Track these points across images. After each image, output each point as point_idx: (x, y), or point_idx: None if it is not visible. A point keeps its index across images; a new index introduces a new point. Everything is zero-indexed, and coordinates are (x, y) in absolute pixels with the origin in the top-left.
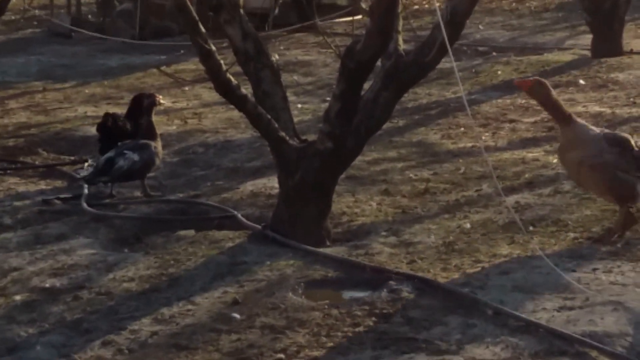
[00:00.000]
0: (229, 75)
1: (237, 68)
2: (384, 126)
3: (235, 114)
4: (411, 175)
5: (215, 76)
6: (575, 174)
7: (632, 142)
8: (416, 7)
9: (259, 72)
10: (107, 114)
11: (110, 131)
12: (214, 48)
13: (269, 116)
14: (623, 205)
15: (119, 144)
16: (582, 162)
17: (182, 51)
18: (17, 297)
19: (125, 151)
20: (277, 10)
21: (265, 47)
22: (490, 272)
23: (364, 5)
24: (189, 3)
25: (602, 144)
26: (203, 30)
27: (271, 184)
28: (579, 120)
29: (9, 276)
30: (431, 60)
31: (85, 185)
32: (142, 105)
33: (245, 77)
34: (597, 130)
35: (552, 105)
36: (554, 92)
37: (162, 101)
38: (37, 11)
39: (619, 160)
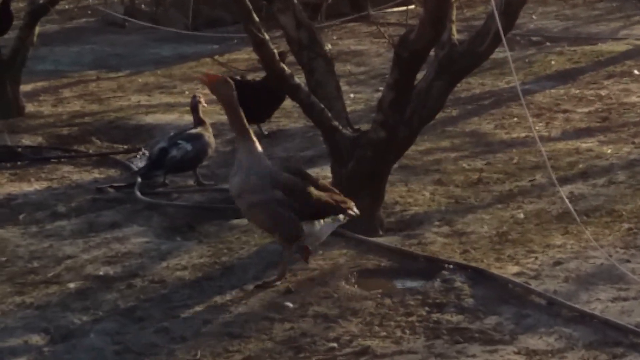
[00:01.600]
0: (282, 64)
1: (291, 57)
2: (437, 116)
3: (288, 103)
4: (464, 165)
5: (268, 65)
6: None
7: (303, 184)
8: None
9: (313, 61)
10: None
11: None
12: (267, 37)
13: (322, 105)
14: (289, 246)
15: (172, 133)
16: (241, 195)
17: (235, 41)
18: (71, 285)
19: (179, 141)
20: (330, 0)
21: (318, 37)
22: (543, 262)
23: None
24: None
25: (266, 180)
26: (256, 19)
27: (324, 173)
28: (256, 142)
29: (63, 264)
30: (485, 50)
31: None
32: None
33: (299, 66)
34: (267, 162)
35: (234, 110)
36: (236, 99)
37: (203, 102)
38: (90, 0)
39: (283, 198)
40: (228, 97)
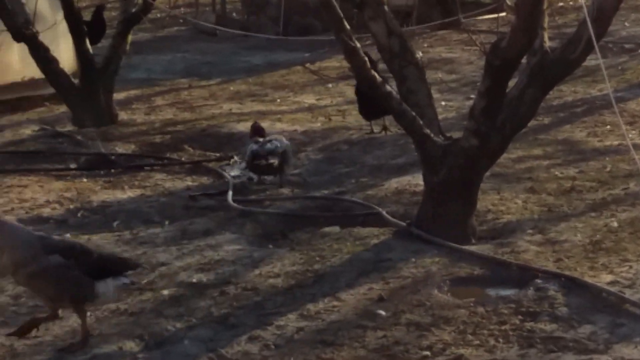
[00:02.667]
0: (373, 72)
1: (382, 65)
2: (529, 124)
3: None
4: (557, 173)
5: (359, 73)
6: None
7: (80, 244)
8: (561, 4)
9: (404, 69)
10: None
11: None
12: (358, 45)
13: (414, 113)
14: (82, 308)
15: (260, 139)
16: (17, 271)
17: (326, 49)
18: (165, 292)
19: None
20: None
21: (410, 45)
22: (638, 271)
23: (509, 2)
24: (334, 0)
25: (37, 248)
26: (348, 27)
27: (416, 181)
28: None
29: (157, 271)
30: (577, 58)
31: (231, 182)
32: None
33: (390, 74)
34: (30, 230)
35: None
36: None
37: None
38: (182, 9)
39: (62, 262)
40: None
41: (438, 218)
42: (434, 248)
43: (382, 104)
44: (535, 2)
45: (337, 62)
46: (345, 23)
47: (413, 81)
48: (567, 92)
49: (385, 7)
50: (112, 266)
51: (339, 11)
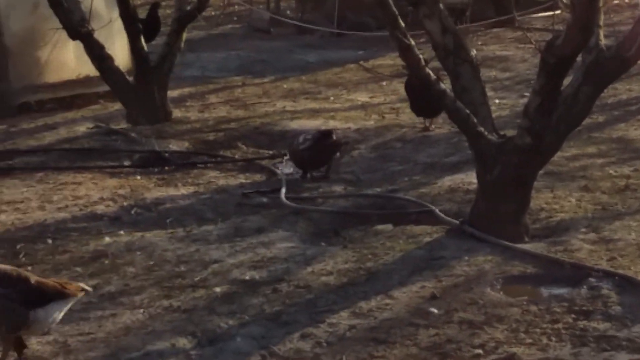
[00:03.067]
0: (427, 70)
1: (436, 62)
2: (584, 122)
3: None
4: (611, 171)
5: (414, 71)
6: None
7: (17, 271)
8: (616, 1)
9: (458, 66)
10: None
11: None
12: (413, 42)
13: (468, 111)
14: (10, 337)
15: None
16: None
17: (376, 48)
18: (218, 289)
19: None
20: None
21: (464, 42)
22: None
23: (564, 0)
24: None
25: None
26: (402, 24)
27: (469, 179)
28: None
29: (209, 268)
30: (633, 56)
31: (284, 179)
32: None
33: (444, 72)
34: None
35: None
36: None
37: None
38: (236, 7)
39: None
40: None
41: (491, 216)
42: (487, 246)
43: (435, 101)
44: (591, 0)
45: (390, 60)
46: (400, 20)
47: (467, 79)
48: (621, 90)
49: (440, 5)
50: (52, 293)
51: (394, 9)
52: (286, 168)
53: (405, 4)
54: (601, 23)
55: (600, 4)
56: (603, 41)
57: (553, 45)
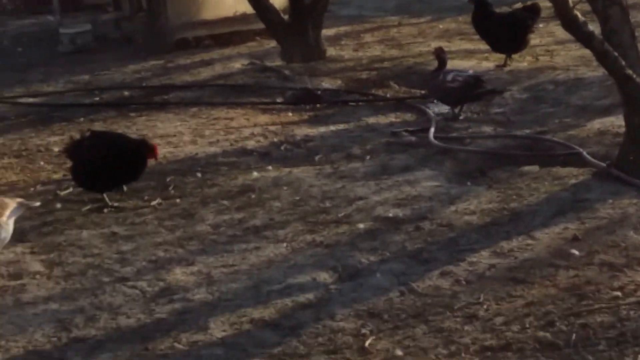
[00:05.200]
0: (576, 12)
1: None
2: None
3: (588, 51)
4: None
5: (562, 12)
6: None
7: None
8: None
9: (608, 9)
10: None
11: None
12: None
13: (616, 54)
14: None
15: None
16: None
17: None
18: (361, 225)
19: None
20: None
21: None
22: None
23: None
24: None
25: None
26: None
27: (619, 122)
28: None
29: (354, 205)
30: None
31: (434, 119)
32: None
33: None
34: None
35: None
36: None
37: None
38: None
39: None
40: None
41: (639, 159)
42: (633, 190)
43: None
44: None
45: (548, 2)
46: None
47: (616, 21)
48: None
49: None
50: None
51: None
52: (437, 108)
53: None
54: None
55: None
56: None
57: None
